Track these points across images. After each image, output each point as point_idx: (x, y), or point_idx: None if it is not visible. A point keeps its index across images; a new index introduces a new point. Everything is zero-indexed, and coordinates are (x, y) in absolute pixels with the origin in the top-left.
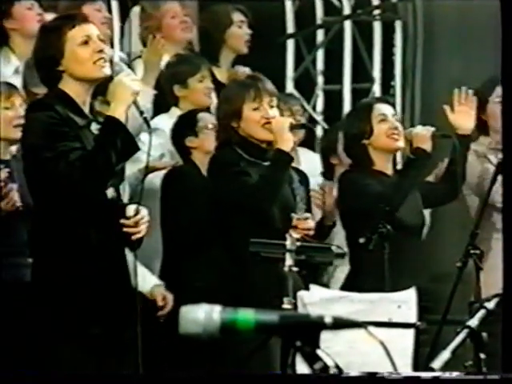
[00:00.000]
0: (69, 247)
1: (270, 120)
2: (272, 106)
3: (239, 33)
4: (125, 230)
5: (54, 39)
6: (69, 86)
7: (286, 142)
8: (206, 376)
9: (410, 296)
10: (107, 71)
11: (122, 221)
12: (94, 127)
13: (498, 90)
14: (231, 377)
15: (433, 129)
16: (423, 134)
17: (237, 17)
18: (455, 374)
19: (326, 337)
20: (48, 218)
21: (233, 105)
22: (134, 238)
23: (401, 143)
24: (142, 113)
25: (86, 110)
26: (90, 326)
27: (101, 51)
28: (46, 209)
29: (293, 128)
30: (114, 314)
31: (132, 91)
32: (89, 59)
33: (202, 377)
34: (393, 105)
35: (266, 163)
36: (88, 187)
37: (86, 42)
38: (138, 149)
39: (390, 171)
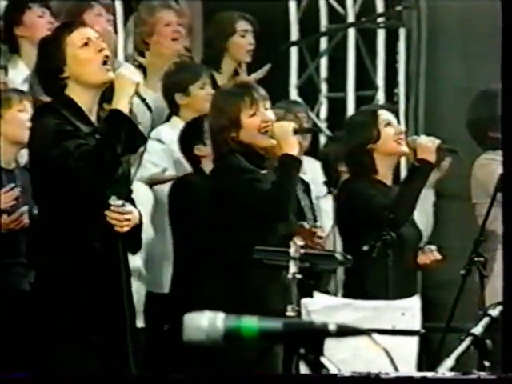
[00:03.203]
0: (72, 255)
1: (269, 123)
2: (267, 109)
3: (241, 42)
4: (110, 220)
5: (53, 48)
6: (75, 93)
7: (291, 146)
8: (207, 377)
9: (413, 303)
10: (112, 75)
11: (107, 212)
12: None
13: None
14: (232, 377)
15: (438, 141)
16: (429, 146)
17: (241, 26)
18: (452, 374)
19: (329, 344)
20: (53, 225)
21: (229, 115)
22: (118, 229)
23: (406, 148)
24: (143, 100)
25: (93, 118)
26: (91, 330)
27: (102, 50)
28: (52, 215)
29: (297, 132)
30: (116, 318)
31: (132, 82)
32: (92, 59)
33: (203, 377)
34: (395, 112)
35: (264, 171)
36: (96, 181)
37: (86, 44)
38: (145, 140)
39: (389, 181)
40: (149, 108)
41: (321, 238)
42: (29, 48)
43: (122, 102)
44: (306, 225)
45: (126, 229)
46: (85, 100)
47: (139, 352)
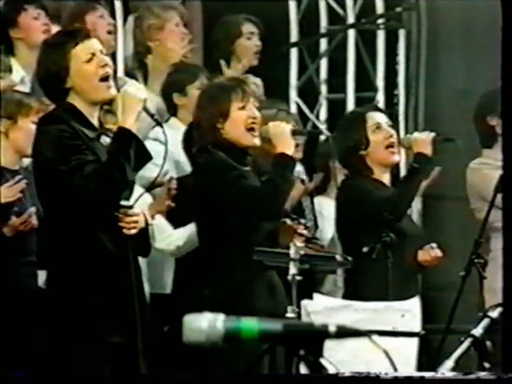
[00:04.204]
0: (83, 258)
1: (256, 121)
2: (255, 107)
3: (248, 44)
4: (120, 223)
5: (58, 57)
6: (76, 101)
7: (288, 146)
8: (207, 377)
9: (413, 305)
10: (113, 91)
11: (116, 214)
12: (103, 139)
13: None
14: (231, 378)
15: (433, 134)
16: (423, 139)
17: (247, 28)
18: (452, 374)
19: (329, 345)
20: (62, 229)
21: (219, 105)
22: (126, 232)
23: (398, 157)
24: (152, 116)
25: (95, 122)
26: (105, 334)
27: (105, 65)
28: (60, 221)
29: (294, 134)
30: (129, 321)
31: (139, 99)
32: (95, 74)
33: (203, 378)
34: (389, 114)
35: (247, 168)
36: (103, 199)
37: (90, 59)
38: (150, 158)
39: (387, 181)
40: (159, 123)
41: (302, 235)
42: (24, 50)
43: (129, 120)
44: (289, 221)
45: (133, 231)
46: (86, 108)
47: (150, 351)
